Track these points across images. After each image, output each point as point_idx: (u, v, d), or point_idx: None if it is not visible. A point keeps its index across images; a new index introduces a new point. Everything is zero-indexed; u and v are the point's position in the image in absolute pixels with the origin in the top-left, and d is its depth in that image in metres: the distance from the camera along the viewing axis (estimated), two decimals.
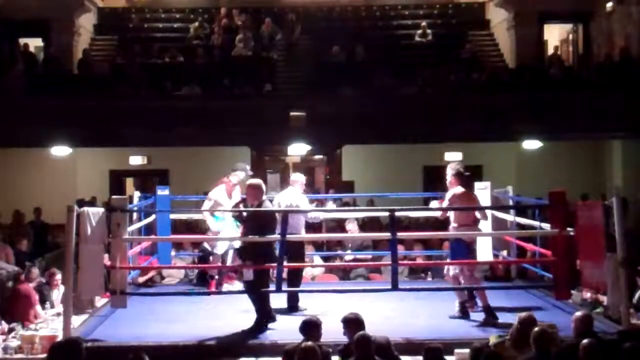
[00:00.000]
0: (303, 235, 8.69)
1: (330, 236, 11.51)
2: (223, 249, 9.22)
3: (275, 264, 7.63)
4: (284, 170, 19.05)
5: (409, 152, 15.98)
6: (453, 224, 8.12)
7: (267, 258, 7.52)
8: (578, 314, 6.22)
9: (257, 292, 7.54)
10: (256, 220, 7.55)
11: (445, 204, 8.13)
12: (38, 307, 8.56)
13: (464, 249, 7.95)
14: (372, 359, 5.44)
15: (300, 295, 8.54)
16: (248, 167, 9.64)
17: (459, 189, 8.05)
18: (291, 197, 8.68)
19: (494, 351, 5.56)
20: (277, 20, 18.43)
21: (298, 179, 8.89)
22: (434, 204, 8.67)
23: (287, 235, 7.53)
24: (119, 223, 7.43)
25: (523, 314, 6.28)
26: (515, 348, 5.91)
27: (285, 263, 7.78)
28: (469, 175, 8.46)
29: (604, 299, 8.11)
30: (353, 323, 5.92)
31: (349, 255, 11.04)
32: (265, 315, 7.51)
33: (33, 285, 8.78)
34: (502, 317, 7.71)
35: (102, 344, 7.01)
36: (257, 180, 7.95)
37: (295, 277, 8.63)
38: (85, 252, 7.28)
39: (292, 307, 8.40)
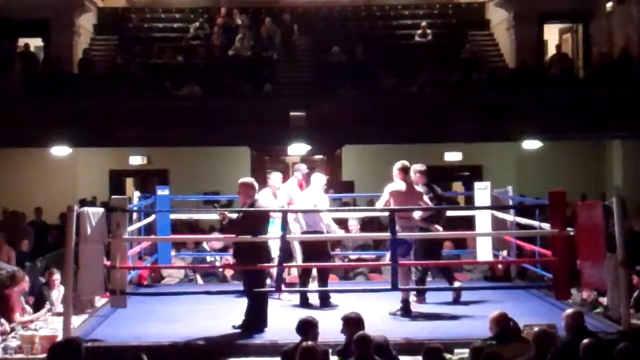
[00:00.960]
0: (300, 235, 8.70)
1: (331, 236, 11.51)
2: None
3: (269, 264, 7.63)
4: (284, 171, 19.01)
5: (409, 152, 15.94)
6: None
7: (261, 258, 7.51)
8: (569, 310, 6.32)
9: (252, 293, 7.53)
10: (249, 220, 7.55)
11: (384, 198, 8.17)
12: (17, 315, 8.19)
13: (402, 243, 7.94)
14: (372, 359, 5.44)
15: None
16: (303, 166, 9.70)
17: (399, 185, 8.12)
18: (311, 196, 8.72)
19: (494, 351, 5.56)
20: (277, 20, 18.43)
21: (319, 179, 8.95)
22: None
23: (288, 236, 7.56)
24: (119, 223, 7.43)
25: (495, 313, 6.33)
26: (501, 346, 5.92)
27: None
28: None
29: (603, 299, 8.11)
30: (353, 322, 5.93)
31: (353, 255, 11.04)
32: (257, 317, 7.47)
33: (17, 289, 8.34)
34: None
35: (102, 344, 7.01)
36: (249, 179, 7.96)
37: (322, 276, 8.74)
38: (85, 252, 7.28)
39: (325, 303, 8.44)
